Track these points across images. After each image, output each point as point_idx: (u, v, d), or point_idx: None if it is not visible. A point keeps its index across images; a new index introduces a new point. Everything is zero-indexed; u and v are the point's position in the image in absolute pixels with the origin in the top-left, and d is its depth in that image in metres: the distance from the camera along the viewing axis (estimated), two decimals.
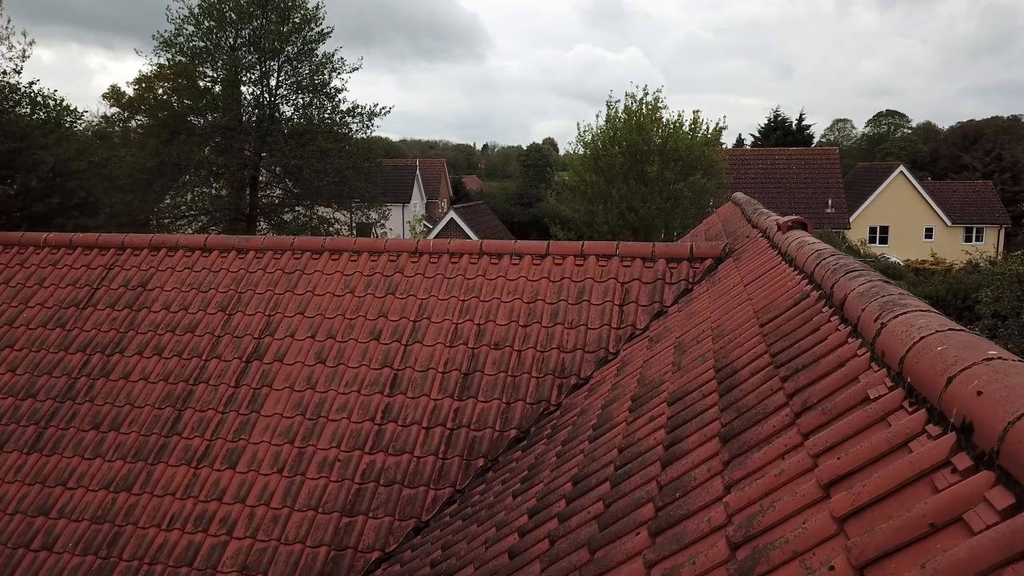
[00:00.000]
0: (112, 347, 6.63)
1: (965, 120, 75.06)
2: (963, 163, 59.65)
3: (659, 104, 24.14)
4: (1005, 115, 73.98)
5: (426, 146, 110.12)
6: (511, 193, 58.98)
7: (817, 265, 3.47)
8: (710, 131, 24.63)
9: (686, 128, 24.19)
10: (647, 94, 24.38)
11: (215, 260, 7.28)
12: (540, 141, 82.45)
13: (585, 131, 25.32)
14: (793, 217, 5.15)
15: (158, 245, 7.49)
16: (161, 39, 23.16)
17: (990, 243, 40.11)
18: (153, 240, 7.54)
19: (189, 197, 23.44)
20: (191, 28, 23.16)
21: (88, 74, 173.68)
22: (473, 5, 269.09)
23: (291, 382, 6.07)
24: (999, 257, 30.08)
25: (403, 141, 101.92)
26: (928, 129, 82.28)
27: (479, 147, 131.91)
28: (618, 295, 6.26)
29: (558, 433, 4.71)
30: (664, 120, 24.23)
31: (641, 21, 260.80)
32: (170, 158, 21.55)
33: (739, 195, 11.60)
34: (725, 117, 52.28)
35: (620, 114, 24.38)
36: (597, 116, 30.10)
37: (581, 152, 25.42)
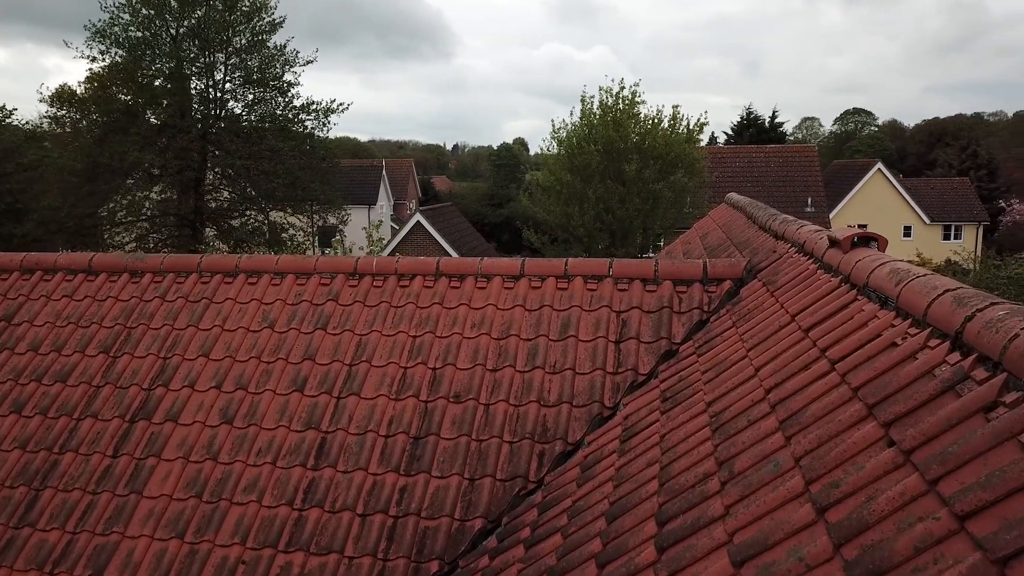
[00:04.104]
0: None
1: (930, 118, 75.28)
2: (933, 160, 59.37)
3: (636, 99, 22.80)
4: (968, 112, 74.35)
5: (395, 146, 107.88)
6: (481, 194, 57.53)
7: (969, 321, 2.11)
8: (690, 127, 23.35)
9: (665, 124, 22.89)
10: (623, 88, 23.04)
11: (102, 285, 5.77)
12: (511, 141, 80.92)
13: (560, 128, 23.90)
14: (854, 230, 3.79)
15: (31, 267, 5.95)
16: (94, 28, 21.21)
17: (969, 241, 39.51)
18: (25, 260, 5.99)
19: (126, 202, 21.47)
20: (127, 17, 21.25)
21: (44, 75, 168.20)
22: (437, 1, 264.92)
23: (186, 450, 4.60)
24: (977, 256, 29.40)
25: (372, 142, 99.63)
26: (894, 127, 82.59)
27: (449, 147, 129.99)
28: (613, 328, 4.87)
29: (542, 542, 3.31)
30: (642, 116, 22.89)
31: (608, 18, 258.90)
32: (103, 159, 19.62)
33: (735, 196, 10.30)
34: (706, 113, 51.30)
35: (595, 110, 22.98)
36: (572, 112, 28.75)
37: (555, 150, 23.97)
